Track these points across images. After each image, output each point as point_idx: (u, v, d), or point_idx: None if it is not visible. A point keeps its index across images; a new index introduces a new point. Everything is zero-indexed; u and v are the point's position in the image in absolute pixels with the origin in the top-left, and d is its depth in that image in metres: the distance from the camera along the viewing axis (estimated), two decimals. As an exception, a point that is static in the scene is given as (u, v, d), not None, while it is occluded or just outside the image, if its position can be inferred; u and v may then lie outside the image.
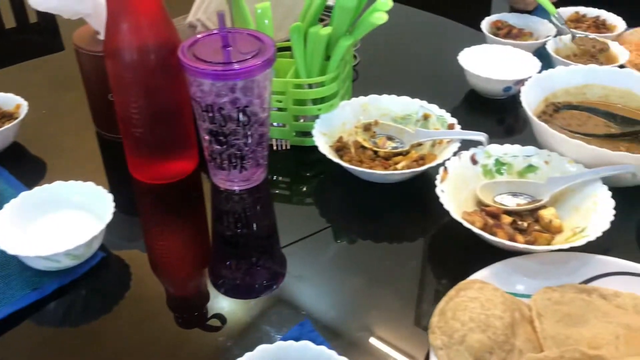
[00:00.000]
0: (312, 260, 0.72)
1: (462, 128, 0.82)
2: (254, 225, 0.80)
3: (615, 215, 0.67)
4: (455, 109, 0.99)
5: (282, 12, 0.97)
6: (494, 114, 0.98)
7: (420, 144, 0.83)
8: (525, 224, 0.70)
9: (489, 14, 1.18)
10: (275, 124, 0.87)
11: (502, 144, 0.78)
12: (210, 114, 0.71)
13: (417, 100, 0.87)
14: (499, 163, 0.77)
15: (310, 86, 0.84)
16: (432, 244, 0.74)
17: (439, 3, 1.42)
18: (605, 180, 0.72)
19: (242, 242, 0.76)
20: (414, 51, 1.22)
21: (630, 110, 0.86)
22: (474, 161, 0.76)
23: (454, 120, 0.83)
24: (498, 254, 0.66)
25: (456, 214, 0.67)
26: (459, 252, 0.72)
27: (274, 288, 0.68)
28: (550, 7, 1.13)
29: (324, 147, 0.79)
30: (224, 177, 0.79)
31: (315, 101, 0.85)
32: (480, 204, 0.74)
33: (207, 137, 0.74)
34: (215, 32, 0.72)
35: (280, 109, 0.85)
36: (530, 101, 0.83)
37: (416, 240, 0.75)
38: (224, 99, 0.69)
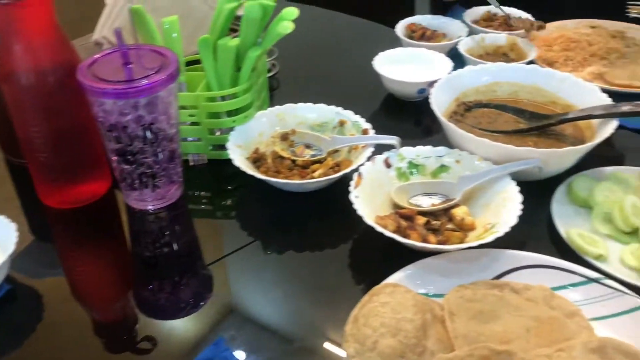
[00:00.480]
0: (237, 276, 0.71)
1: (381, 132, 0.83)
2: (175, 244, 0.78)
3: (526, 209, 0.69)
4: (375, 113, 1.00)
5: (193, 25, 0.95)
6: (411, 116, 1.00)
7: (336, 151, 0.83)
8: (438, 224, 0.71)
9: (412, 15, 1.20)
10: (190, 138, 0.85)
11: (420, 145, 0.79)
12: (115, 134, 0.69)
13: (332, 107, 0.87)
14: (412, 165, 0.78)
15: (223, 98, 0.83)
16: (353, 250, 0.74)
17: (364, 5, 1.44)
18: (515, 175, 0.74)
19: (163, 262, 0.74)
20: (335, 56, 1.22)
21: (538, 105, 0.89)
22: (387, 165, 0.77)
23: (368, 126, 0.83)
24: (416, 255, 0.67)
25: (369, 219, 0.67)
26: (378, 256, 0.72)
27: (200, 306, 0.67)
28: None
29: (240, 159, 0.78)
30: (136, 197, 0.76)
31: (230, 113, 0.84)
32: (396, 207, 0.75)
33: (115, 157, 0.72)
34: (115, 49, 0.70)
35: (193, 123, 0.83)
36: (441, 102, 0.85)
37: (338, 246, 0.75)
38: (127, 118, 0.68)
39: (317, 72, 1.16)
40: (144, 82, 0.66)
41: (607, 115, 0.77)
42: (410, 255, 0.67)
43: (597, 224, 0.72)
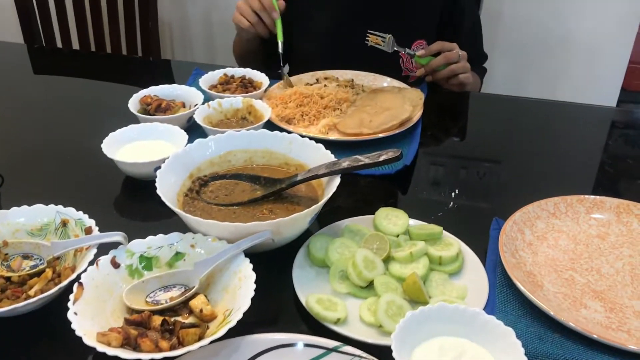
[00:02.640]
0: None
1: (119, 224, 0.75)
2: None
3: (273, 282, 0.67)
4: (118, 200, 0.92)
5: None
6: (154, 197, 0.93)
7: (59, 257, 0.74)
8: (175, 321, 0.65)
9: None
10: None
11: (166, 228, 0.73)
12: None
13: (51, 206, 0.78)
14: (144, 259, 0.72)
15: None
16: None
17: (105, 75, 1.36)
18: (255, 249, 0.71)
19: None
20: (65, 143, 1.11)
21: (273, 168, 0.88)
22: (115, 265, 0.70)
23: (92, 223, 0.75)
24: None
25: (91, 338, 0.59)
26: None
27: None
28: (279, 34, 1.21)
29: None
30: None
31: None
32: (132, 311, 0.67)
33: None
34: None
35: None
36: (172, 182, 0.81)
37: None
38: None
39: (49, 164, 1.04)
40: None
41: (331, 173, 0.79)
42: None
43: (334, 285, 0.72)
